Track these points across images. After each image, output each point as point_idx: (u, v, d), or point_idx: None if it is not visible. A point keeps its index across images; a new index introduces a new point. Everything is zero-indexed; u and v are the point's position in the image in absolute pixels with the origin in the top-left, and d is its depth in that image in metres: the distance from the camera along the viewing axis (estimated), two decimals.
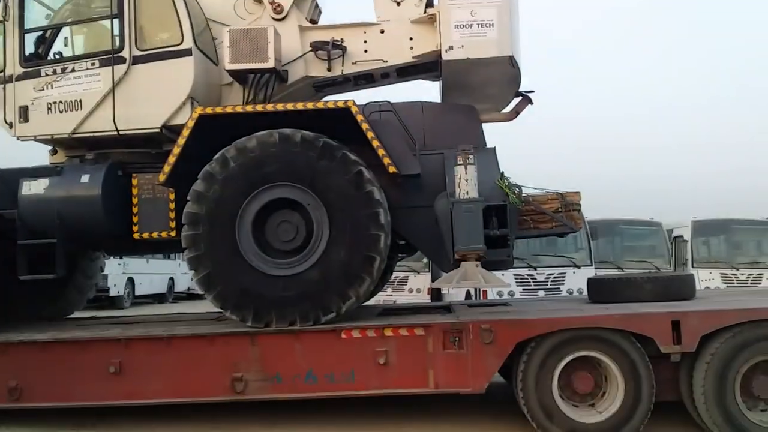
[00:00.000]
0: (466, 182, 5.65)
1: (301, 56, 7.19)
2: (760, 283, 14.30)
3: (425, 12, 7.14)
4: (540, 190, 7.13)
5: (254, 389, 5.97)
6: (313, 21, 7.59)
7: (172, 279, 25.13)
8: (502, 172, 6.58)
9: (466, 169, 5.66)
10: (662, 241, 14.69)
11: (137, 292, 22.21)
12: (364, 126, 6.22)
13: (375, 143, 6.21)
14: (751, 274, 14.72)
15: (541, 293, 11.57)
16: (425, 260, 11.79)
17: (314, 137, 6.04)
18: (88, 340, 6.31)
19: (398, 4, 7.23)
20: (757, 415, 5.60)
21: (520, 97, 7.48)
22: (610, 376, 5.75)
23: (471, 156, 5.69)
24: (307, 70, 7.27)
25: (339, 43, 7.11)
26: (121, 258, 19.08)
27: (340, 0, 8.35)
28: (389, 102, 6.77)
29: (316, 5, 7.67)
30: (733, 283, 14.52)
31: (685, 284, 6.97)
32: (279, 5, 7.18)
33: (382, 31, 7.24)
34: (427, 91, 8.17)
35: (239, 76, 6.94)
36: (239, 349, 6.06)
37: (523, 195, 6.64)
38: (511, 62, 6.68)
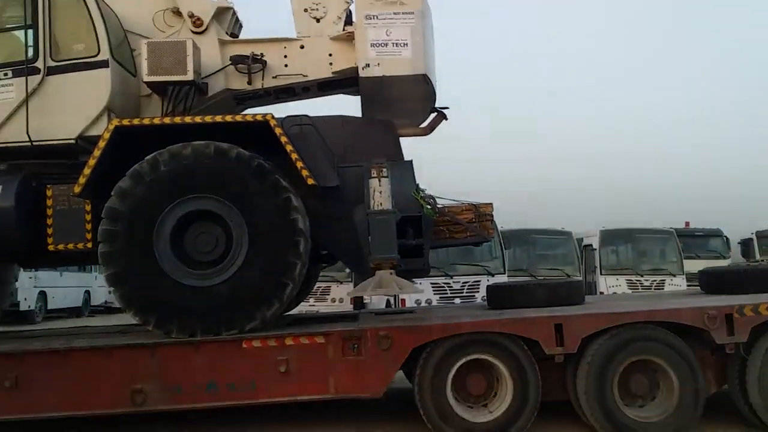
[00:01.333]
0: (380, 194, 5.92)
1: (221, 69, 7.30)
2: (662, 288, 15.35)
3: (344, 29, 7.40)
4: (455, 201, 7.51)
5: (154, 400, 5.99)
6: (234, 35, 7.71)
7: (88, 292, 24.26)
8: (418, 184, 6.90)
9: (380, 181, 5.94)
10: (572, 249, 15.54)
11: (50, 306, 21.31)
12: (283, 139, 6.39)
13: (293, 156, 6.39)
14: (654, 280, 15.81)
15: (457, 301, 11.99)
16: (347, 270, 12.03)
17: (249, 156, 6.15)
18: None
19: (318, 20, 7.46)
20: (634, 411, 6.06)
21: (436, 113, 7.85)
22: (500, 377, 6.10)
23: (384, 169, 5.97)
24: (228, 83, 7.38)
25: (259, 57, 7.25)
26: (35, 270, 18.34)
27: (260, 15, 8.51)
28: (308, 116, 6.98)
29: (237, 20, 7.78)
30: (638, 289, 15.53)
31: (573, 290, 7.38)
32: (198, 19, 7.27)
33: (302, 47, 7.45)
34: (351, 104, 8.45)
35: (158, 88, 6.97)
36: (139, 362, 6.08)
37: (439, 206, 6.98)
38: (425, 80, 7.03)
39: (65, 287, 22.23)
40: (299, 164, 6.39)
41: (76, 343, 6.35)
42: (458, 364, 6.04)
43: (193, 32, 7.25)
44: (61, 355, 6.11)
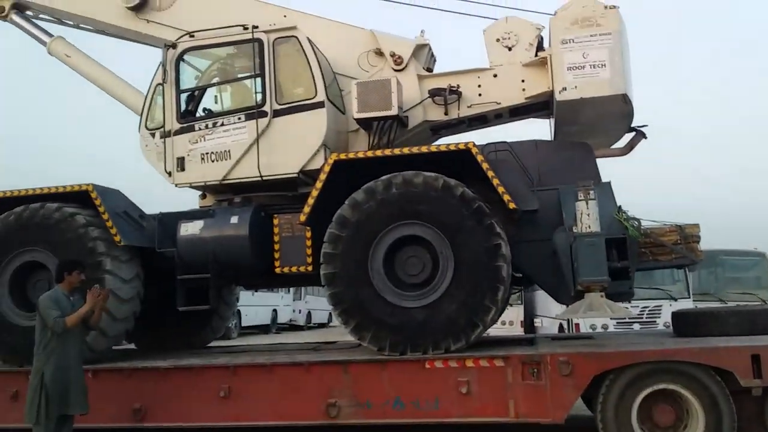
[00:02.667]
0: (587, 216, 5.95)
1: (420, 102, 7.78)
2: None
3: (536, 55, 7.58)
4: (657, 222, 7.29)
5: (347, 414, 6.38)
6: (429, 69, 8.18)
7: (275, 311, 26.25)
8: (620, 206, 6.82)
9: (587, 204, 5.97)
10: (767, 271, 14.03)
11: (243, 323, 23.37)
12: (485, 165, 6.64)
13: (495, 181, 6.61)
14: None
15: (636, 327, 11.38)
16: (517, 293, 11.96)
17: (434, 177, 6.51)
18: (201, 367, 6.98)
19: (510, 49, 7.70)
20: None
21: (634, 132, 7.71)
22: (691, 409, 5.77)
23: (591, 191, 6.00)
24: (426, 115, 7.84)
25: (455, 88, 7.64)
26: (256, 290, 20.34)
27: (452, 48, 8.93)
28: (506, 142, 7.20)
29: (432, 54, 8.26)
30: None
31: None
32: (399, 57, 7.82)
33: (495, 75, 7.73)
34: (532, 128, 8.57)
35: (365, 123, 7.59)
36: (333, 377, 6.50)
37: (642, 228, 6.83)
38: (624, 99, 6.97)
39: (257, 306, 24.28)
40: (501, 189, 6.58)
41: (279, 359, 7.00)
42: (643, 393, 5.84)
43: (394, 70, 7.81)
44: (266, 370, 6.76)
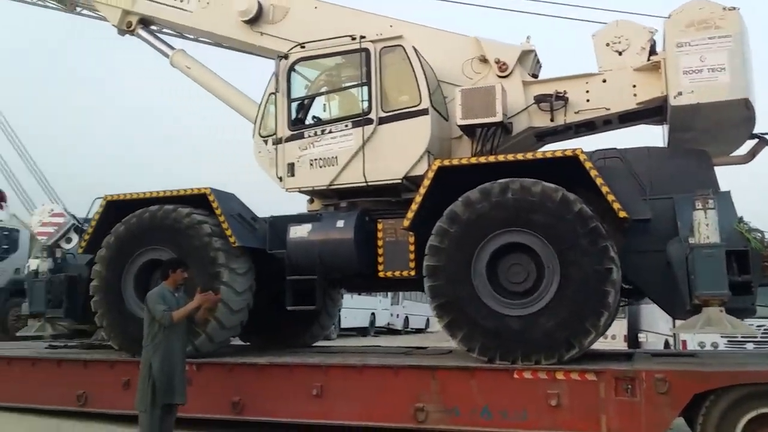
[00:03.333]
0: (706, 227, 5.67)
1: (525, 109, 7.71)
2: None
3: (648, 59, 7.31)
4: None
5: (435, 419, 6.38)
6: (535, 75, 8.09)
7: (373, 314, 26.63)
8: (741, 216, 6.45)
9: (705, 213, 5.69)
10: None
11: (343, 325, 23.84)
12: (593, 172, 6.47)
13: (604, 189, 6.43)
14: None
15: (750, 346, 10.66)
16: (623, 306, 11.47)
17: (554, 189, 6.38)
18: (295, 365, 7.20)
19: (620, 53, 7.48)
20: None
21: (757, 139, 7.28)
22: None
23: (711, 200, 5.71)
24: (531, 121, 7.76)
25: (562, 94, 7.51)
26: (358, 294, 20.78)
27: (558, 53, 8.78)
28: (616, 148, 6.99)
29: (537, 61, 8.16)
30: None
31: None
32: (504, 64, 7.79)
33: (605, 81, 7.53)
34: (638, 134, 8.25)
35: (468, 130, 7.61)
36: (422, 382, 6.52)
37: (765, 240, 6.43)
38: (746, 105, 6.59)
39: (356, 309, 24.72)
40: (610, 197, 6.39)
41: (369, 361, 7.10)
42: (747, 417, 5.51)
43: (498, 77, 7.79)
44: (356, 371, 6.88)
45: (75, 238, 9.26)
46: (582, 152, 6.54)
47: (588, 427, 5.96)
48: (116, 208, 8.13)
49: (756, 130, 7.25)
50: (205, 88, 9.43)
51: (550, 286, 6.33)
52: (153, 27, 9.92)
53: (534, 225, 6.39)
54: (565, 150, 6.64)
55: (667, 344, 11.14)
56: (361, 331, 25.88)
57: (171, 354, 5.98)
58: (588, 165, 6.51)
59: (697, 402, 5.72)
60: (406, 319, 29.14)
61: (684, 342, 10.94)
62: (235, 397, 7.10)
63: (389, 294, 26.26)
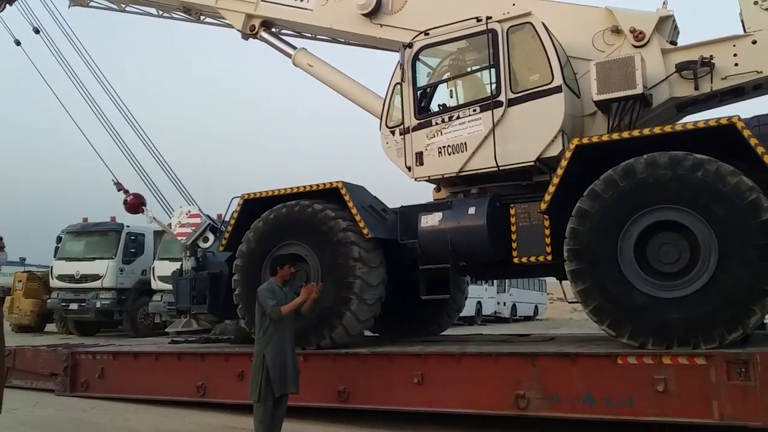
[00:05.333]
0: None
1: (666, 78, 7.24)
2: None
3: None
4: None
5: (536, 407, 6.24)
6: (673, 42, 7.59)
7: (479, 303, 26.29)
8: None
9: None
10: None
11: None
12: (753, 141, 5.98)
13: (767, 158, 5.92)
14: None
15: None
16: None
17: (707, 160, 5.95)
18: (396, 354, 7.22)
19: None
20: None
21: None
22: None
23: None
24: (672, 91, 7.29)
25: (708, 60, 6.99)
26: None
27: (695, 18, 8.18)
28: None
29: (675, 26, 7.64)
30: None
31: None
32: (641, 33, 7.36)
33: (755, 42, 6.96)
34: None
35: (603, 105, 7.25)
36: (521, 369, 6.40)
37: None
38: None
39: None
40: None
41: (468, 349, 7.00)
42: None
43: (634, 46, 7.36)
44: (455, 359, 6.80)
45: (211, 237, 9.69)
46: (739, 119, 6.04)
47: (698, 414, 5.66)
48: (252, 206, 8.41)
49: None
50: (328, 85, 9.58)
51: (707, 266, 5.90)
52: (274, 29, 10.19)
53: (687, 201, 5.97)
54: (720, 119, 6.15)
55: None
56: (468, 320, 25.58)
57: (283, 345, 6.19)
58: (747, 133, 6.01)
59: None
60: (514, 306, 28.66)
61: None
62: (340, 386, 7.24)
63: (495, 282, 25.84)
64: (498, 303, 27.81)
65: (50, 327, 21.18)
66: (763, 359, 5.49)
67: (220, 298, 8.83)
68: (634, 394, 5.90)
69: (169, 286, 16.66)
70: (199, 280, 8.90)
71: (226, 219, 9.09)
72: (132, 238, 19.19)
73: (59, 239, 19.64)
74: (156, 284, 17.56)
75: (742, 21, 7.18)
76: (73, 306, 18.36)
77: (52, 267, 19.35)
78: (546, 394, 6.26)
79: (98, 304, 18.09)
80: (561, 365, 6.31)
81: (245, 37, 10.22)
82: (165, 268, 17.04)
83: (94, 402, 8.88)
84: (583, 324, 26.31)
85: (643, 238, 6.26)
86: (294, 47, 9.96)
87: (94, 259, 18.59)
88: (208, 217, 9.98)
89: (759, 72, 6.94)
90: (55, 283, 18.86)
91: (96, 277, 18.28)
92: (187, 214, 9.72)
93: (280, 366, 6.10)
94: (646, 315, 6.07)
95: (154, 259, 18.44)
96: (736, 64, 7.01)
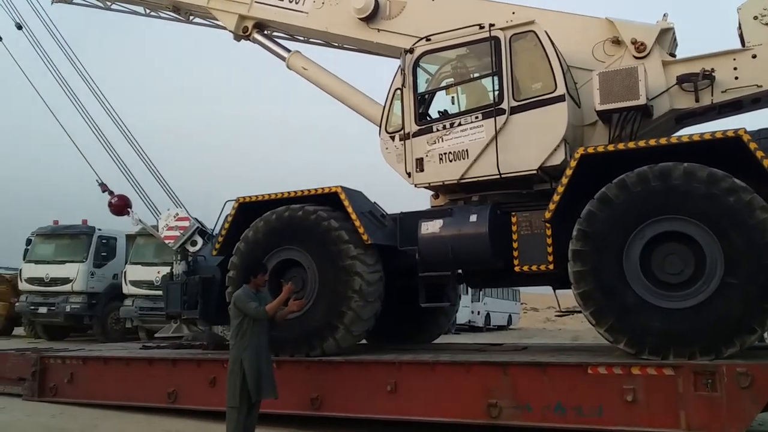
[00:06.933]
0: None
1: (667, 90, 7.30)
2: None
3: None
4: None
5: (507, 415, 6.31)
6: (672, 55, 7.66)
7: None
8: None
9: None
10: None
11: None
12: (759, 154, 6.03)
13: None
14: None
15: None
16: None
17: (722, 175, 5.97)
18: (370, 362, 7.23)
19: None
20: None
21: None
22: None
23: None
24: (673, 103, 7.35)
25: (709, 72, 7.07)
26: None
27: (693, 31, 8.30)
28: None
29: (675, 39, 7.72)
30: None
31: None
32: (642, 44, 7.42)
33: (755, 56, 7.06)
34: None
35: (605, 116, 7.27)
36: (494, 378, 6.47)
37: None
38: None
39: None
40: None
41: (442, 358, 7.03)
42: None
43: (635, 58, 7.42)
44: (429, 367, 6.85)
45: (200, 241, 9.46)
46: (745, 132, 6.11)
47: (666, 423, 5.76)
48: (248, 211, 8.22)
49: None
50: (323, 89, 9.45)
51: (715, 271, 5.93)
52: (266, 31, 10.01)
53: (696, 213, 6.00)
54: (726, 131, 6.21)
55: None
56: None
57: (260, 350, 6.17)
58: (753, 146, 6.08)
59: None
60: (488, 316, 28.62)
61: None
62: (313, 394, 7.21)
63: (470, 291, 25.90)
64: (472, 312, 27.76)
65: (18, 330, 20.55)
66: (729, 371, 5.60)
67: (213, 303, 8.60)
68: (604, 403, 6.00)
69: (141, 291, 16.60)
70: (190, 284, 8.66)
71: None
72: (103, 241, 18.71)
73: (29, 241, 19.03)
74: (127, 289, 17.13)
75: (740, 35, 7.28)
76: (42, 309, 17.77)
77: (21, 270, 18.73)
78: (517, 403, 6.34)
79: (68, 308, 17.54)
80: (533, 374, 6.38)
81: (237, 38, 10.02)
82: (137, 272, 16.94)
83: (63, 407, 8.73)
84: (556, 334, 26.64)
85: (650, 247, 6.25)
86: (288, 50, 9.80)
87: (64, 262, 18.03)
88: (197, 220, 9.74)
89: (759, 86, 7.04)
90: (24, 286, 18.25)
91: (66, 281, 17.74)
92: (174, 217, 9.47)
93: (258, 371, 6.08)
94: (645, 324, 6.07)
95: (125, 263, 18.01)
96: (736, 78, 7.10)
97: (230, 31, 9.94)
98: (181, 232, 9.31)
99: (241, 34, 9.90)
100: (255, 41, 9.95)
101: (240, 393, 6.04)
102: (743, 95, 7.14)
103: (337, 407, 7.19)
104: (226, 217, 8.36)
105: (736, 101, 7.27)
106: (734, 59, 7.14)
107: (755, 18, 7.09)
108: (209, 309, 8.59)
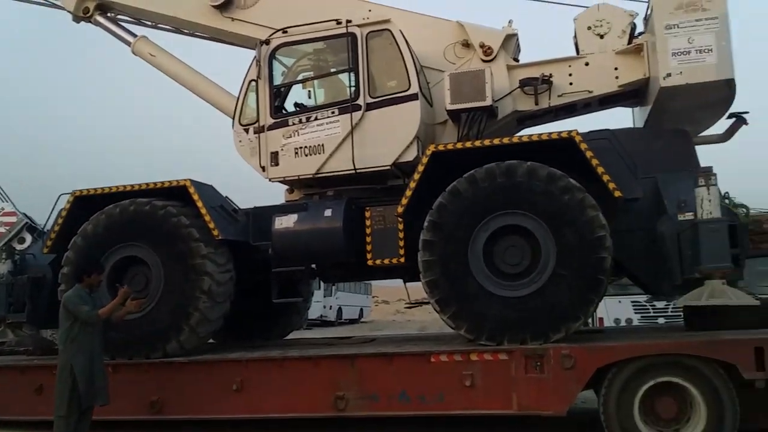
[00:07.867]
0: (708, 203, 5.80)
1: (510, 92, 7.71)
2: None
3: (629, 43, 7.47)
4: (757, 209, 7.12)
5: (354, 407, 6.49)
6: (515, 59, 8.11)
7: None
8: (726, 192, 6.67)
9: (708, 189, 5.83)
10: None
11: None
12: (589, 154, 6.54)
13: (600, 170, 6.49)
14: None
15: (661, 320, 11.27)
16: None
17: (560, 175, 6.36)
18: (215, 361, 7.12)
19: (601, 37, 7.61)
20: None
21: (734, 119, 7.55)
22: (693, 401, 5.77)
23: (713, 177, 5.86)
24: (515, 105, 7.77)
25: (548, 77, 7.56)
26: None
27: (534, 38, 8.84)
28: (608, 129, 7.08)
29: (518, 45, 8.18)
30: None
31: None
32: (489, 48, 7.77)
33: (587, 64, 7.64)
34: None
35: (455, 115, 7.55)
36: (341, 370, 6.62)
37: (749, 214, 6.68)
38: (729, 85, 6.82)
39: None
40: (606, 177, 6.45)
41: (290, 353, 7.09)
42: (645, 386, 5.85)
43: (483, 61, 7.76)
44: (277, 364, 6.87)
45: (28, 238, 8.65)
46: (578, 134, 6.59)
47: (500, 405, 6.18)
48: (85, 206, 7.59)
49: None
50: (172, 78, 8.95)
51: (548, 262, 6.34)
52: (110, 13, 9.32)
53: (534, 208, 6.38)
54: (561, 132, 6.66)
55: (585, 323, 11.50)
56: None
57: (91, 355, 5.91)
58: (583, 146, 6.57)
59: (601, 375, 5.99)
60: (340, 310, 28.93)
61: (601, 319, 11.42)
62: (153, 397, 6.94)
63: (321, 286, 26.00)
64: (324, 307, 27.74)
65: None
66: (555, 354, 6.05)
67: (42, 305, 7.84)
68: (445, 390, 6.30)
69: None
70: (17, 285, 7.85)
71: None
72: None
73: None
74: None
75: (575, 44, 7.86)
76: None
77: None
78: (365, 394, 6.47)
79: None
80: (379, 365, 6.56)
81: (77, 20, 9.25)
82: None
83: None
84: (404, 325, 27.39)
85: (495, 239, 6.56)
86: (134, 35, 9.19)
87: None
88: (25, 215, 8.86)
89: (590, 92, 7.63)
90: None
91: None
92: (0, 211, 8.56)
93: (90, 376, 5.77)
94: (485, 312, 6.37)
95: None
96: (571, 83, 7.64)
97: (69, 11, 9.14)
98: (7, 228, 8.45)
99: (82, 16, 9.14)
100: (97, 24, 9.23)
101: (69, 401, 5.67)
102: (577, 99, 7.71)
103: (179, 410, 6.96)
104: (60, 211, 7.66)
105: (571, 105, 7.84)
106: (569, 66, 7.67)
107: (589, 28, 7.66)
108: (37, 311, 7.82)
